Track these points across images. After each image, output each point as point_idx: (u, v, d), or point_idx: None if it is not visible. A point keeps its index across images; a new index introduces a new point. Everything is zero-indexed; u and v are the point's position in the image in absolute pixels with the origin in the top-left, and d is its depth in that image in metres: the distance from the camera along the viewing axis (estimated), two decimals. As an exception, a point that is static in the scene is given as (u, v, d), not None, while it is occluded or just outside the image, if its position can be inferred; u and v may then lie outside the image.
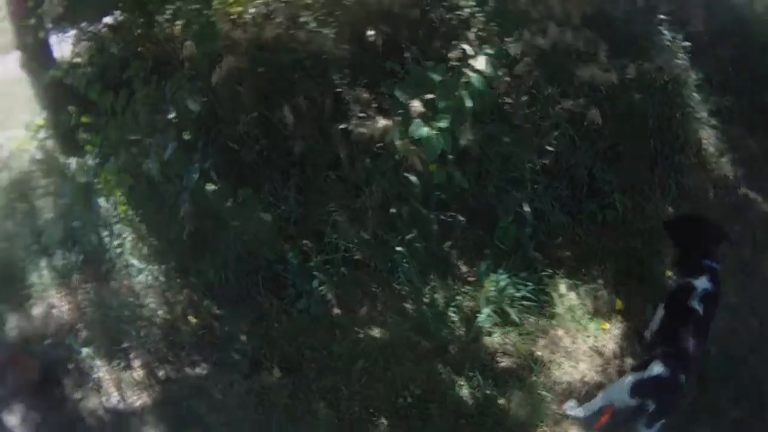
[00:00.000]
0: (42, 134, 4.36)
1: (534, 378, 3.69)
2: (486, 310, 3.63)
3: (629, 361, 3.87)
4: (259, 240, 3.61)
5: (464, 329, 3.65)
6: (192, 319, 3.79)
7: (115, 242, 4.00)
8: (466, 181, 3.47)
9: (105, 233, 4.06)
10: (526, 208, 3.65)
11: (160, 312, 3.87)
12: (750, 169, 4.65)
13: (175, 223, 3.61)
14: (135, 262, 3.89)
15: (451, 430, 3.53)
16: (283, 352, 3.58)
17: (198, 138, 3.55)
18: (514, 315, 3.68)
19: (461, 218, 3.65)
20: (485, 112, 3.42)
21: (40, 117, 4.45)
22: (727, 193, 4.46)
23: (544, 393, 3.66)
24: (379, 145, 3.53)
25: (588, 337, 3.84)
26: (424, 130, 3.12)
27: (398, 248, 3.60)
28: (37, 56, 4.21)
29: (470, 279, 3.74)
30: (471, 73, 3.15)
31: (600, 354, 3.84)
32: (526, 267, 3.74)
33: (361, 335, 3.57)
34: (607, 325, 3.89)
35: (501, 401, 3.61)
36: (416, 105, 3.10)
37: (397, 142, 3.24)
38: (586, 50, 3.55)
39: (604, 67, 3.53)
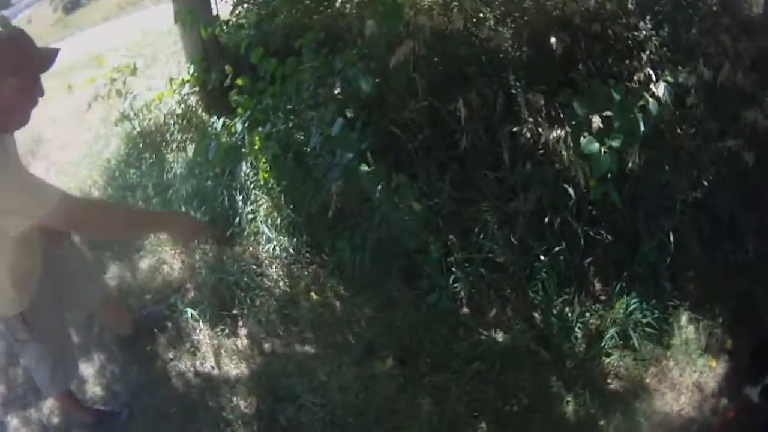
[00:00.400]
0: (186, 89, 4.39)
1: (638, 404, 3.73)
2: (611, 331, 3.65)
3: (723, 402, 3.91)
4: (404, 228, 3.63)
5: (585, 346, 3.68)
6: (314, 296, 3.83)
7: (249, 208, 4.02)
8: (620, 202, 3.48)
9: (239, 198, 4.09)
10: (671, 238, 3.65)
11: (281, 284, 3.91)
12: None
13: (319, 198, 3.65)
14: (266, 230, 3.92)
15: None
16: (402, 342, 3.59)
17: (359, 117, 3.56)
18: (635, 340, 3.70)
19: (609, 237, 3.65)
20: (651, 138, 3.42)
21: (185, 72, 4.49)
22: None
23: (641, 419, 3.70)
24: (541, 152, 3.55)
25: (695, 372, 3.84)
26: (596, 146, 3.14)
27: (542, 257, 3.61)
28: (194, 10, 4.22)
29: (602, 298, 3.74)
30: (650, 98, 3.16)
31: (701, 390, 3.85)
32: (655, 294, 3.73)
33: (484, 337, 3.59)
34: (714, 363, 3.90)
35: (602, 422, 3.65)
36: (596, 120, 3.11)
37: (564, 153, 3.26)
38: (752, 92, 3.56)
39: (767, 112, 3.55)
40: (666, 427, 3.76)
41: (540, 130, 3.46)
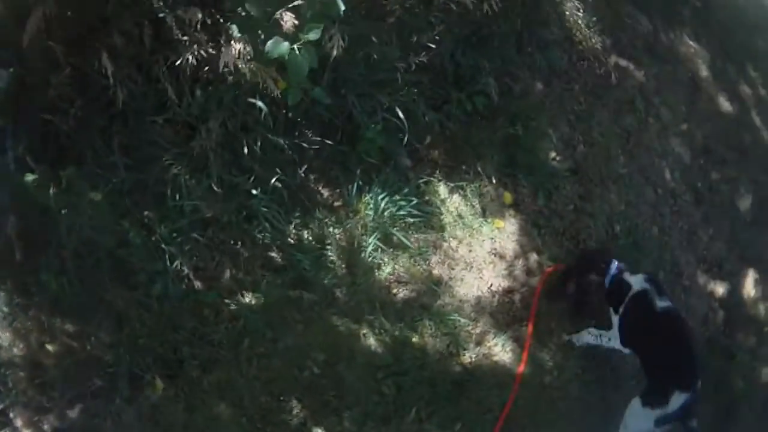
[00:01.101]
0: None
1: (440, 302, 3.27)
2: (371, 240, 3.15)
3: (533, 258, 3.54)
4: (95, 226, 2.97)
5: (347, 268, 3.16)
6: (50, 348, 3.08)
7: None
8: (325, 95, 2.94)
9: None
10: (399, 113, 3.16)
11: (15, 350, 3.14)
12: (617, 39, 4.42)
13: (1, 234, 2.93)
14: None
15: (372, 389, 3.08)
16: (157, 356, 2.94)
17: (7, 119, 2.85)
18: (401, 237, 3.22)
19: (323, 138, 3.12)
20: (353, 15, 2.91)
21: None
22: (598, 64, 4.19)
23: (455, 317, 3.25)
24: (210, 74, 2.94)
25: (484, 241, 3.45)
26: (284, 47, 2.53)
27: (253, 191, 3.04)
28: None
29: (338, 205, 3.23)
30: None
31: (501, 257, 3.47)
32: (399, 179, 3.27)
33: (234, 307, 3.00)
34: (502, 224, 3.51)
35: (414, 339, 3.18)
36: (288, 18, 2.49)
37: (242, 66, 2.67)
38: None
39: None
40: (485, 310, 3.34)
41: (205, 49, 2.87)
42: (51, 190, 2.93)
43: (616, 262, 3.30)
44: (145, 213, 3.03)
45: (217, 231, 3.05)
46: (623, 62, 4.32)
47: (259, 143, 3.07)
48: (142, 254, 2.99)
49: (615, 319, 3.27)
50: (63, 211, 2.98)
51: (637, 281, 3.23)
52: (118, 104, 2.93)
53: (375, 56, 3.30)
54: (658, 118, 4.33)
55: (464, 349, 3.23)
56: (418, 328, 3.17)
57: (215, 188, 3.01)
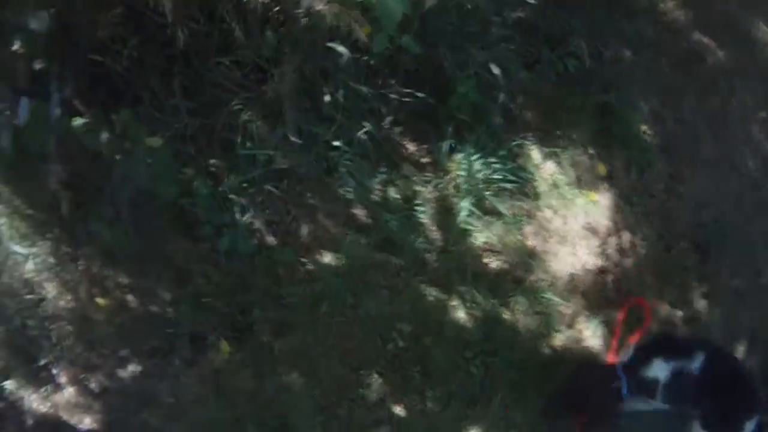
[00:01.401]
0: None
1: (533, 277, 2.94)
2: (464, 204, 2.82)
3: (626, 238, 3.23)
4: (153, 174, 2.62)
5: (438, 232, 2.84)
6: (101, 301, 2.72)
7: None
8: (415, 44, 2.62)
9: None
10: (494, 69, 2.85)
11: (62, 303, 2.77)
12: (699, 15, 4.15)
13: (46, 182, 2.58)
14: (17, 248, 2.80)
15: (459, 367, 2.76)
16: (223, 316, 2.60)
17: (51, 62, 2.50)
18: (495, 202, 2.90)
19: (412, 90, 2.80)
20: None
21: None
22: (682, 38, 3.92)
23: (549, 295, 2.93)
24: (281, 14, 2.61)
25: (578, 214, 3.12)
26: None
27: (334, 142, 2.71)
28: None
29: (426, 162, 2.90)
30: None
31: (595, 233, 3.15)
32: (492, 139, 2.94)
33: (311, 267, 2.67)
34: (596, 197, 3.19)
35: (506, 316, 2.85)
36: None
37: (321, 7, 2.35)
38: None
39: None
40: (578, 290, 3.03)
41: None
42: (103, 135, 2.61)
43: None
44: (211, 161, 2.70)
45: (293, 183, 2.72)
46: (705, 39, 4.06)
47: (341, 91, 2.75)
48: (208, 205, 2.66)
49: None
50: (117, 158, 2.65)
51: None
52: (178, 44, 2.60)
53: (468, 6, 3.00)
54: (740, 102, 4.06)
55: (556, 331, 2.91)
56: (510, 303, 2.84)
57: (291, 137, 2.69)
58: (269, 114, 2.67)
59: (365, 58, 2.81)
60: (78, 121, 2.56)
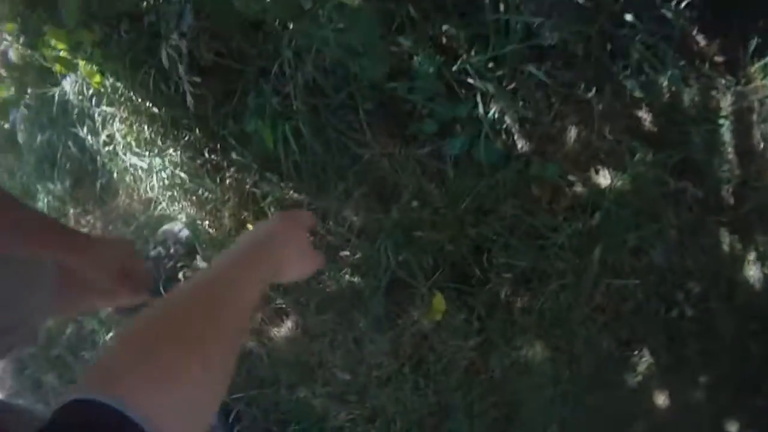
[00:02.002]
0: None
1: None
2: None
3: None
4: (348, 44, 1.76)
5: (737, 156, 1.98)
6: None
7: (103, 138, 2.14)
8: None
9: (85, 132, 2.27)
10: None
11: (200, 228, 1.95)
12: None
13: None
14: (136, 159, 1.93)
15: (738, 342, 1.96)
16: (443, 258, 1.79)
17: None
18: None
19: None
20: None
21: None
22: None
23: None
24: None
25: None
26: None
27: (626, 15, 1.85)
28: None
29: (721, 63, 1.99)
30: None
31: None
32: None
33: (581, 189, 1.82)
34: None
35: None
36: None
37: None
38: None
39: None
40: None
41: None
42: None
43: None
44: (443, 28, 1.83)
45: (558, 65, 1.86)
46: None
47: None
48: (433, 91, 1.80)
49: None
50: (288, 26, 1.79)
51: None
52: None
53: None
54: None
55: None
56: None
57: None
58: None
59: None
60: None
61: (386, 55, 1.81)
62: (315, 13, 1.80)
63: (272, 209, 1.87)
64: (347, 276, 1.82)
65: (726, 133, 1.98)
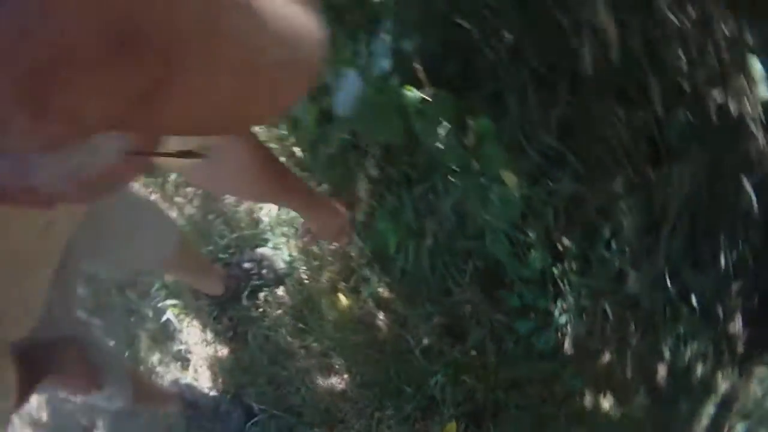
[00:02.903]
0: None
1: None
2: None
3: None
4: (485, 212, 2.12)
5: None
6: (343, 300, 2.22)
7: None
8: None
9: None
10: None
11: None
12: None
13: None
14: None
15: None
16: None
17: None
18: None
19: None
20: None
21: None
22: None
23: None
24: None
25: None
26: None
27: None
28: None
29: None
30: None
31: None
32: None
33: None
34: None
35: None
36: None
37: None
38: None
39: None
40: None
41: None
42: (442, 130, 2.04)
43: None
44: (563, 236, 2.26)
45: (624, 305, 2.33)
46: None
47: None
48: (532, 277, 2.23)
49: None
50: (449, 171, 2.14)
51: None
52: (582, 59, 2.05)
53: None
54: None
55: None
56: None
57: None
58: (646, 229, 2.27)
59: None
60: (412, 94, 1.97)
61: (508, 245, 2.21)
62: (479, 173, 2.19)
63: (368, 298, 2.25)
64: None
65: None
